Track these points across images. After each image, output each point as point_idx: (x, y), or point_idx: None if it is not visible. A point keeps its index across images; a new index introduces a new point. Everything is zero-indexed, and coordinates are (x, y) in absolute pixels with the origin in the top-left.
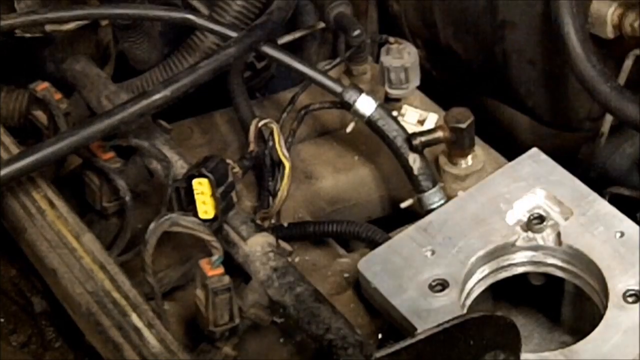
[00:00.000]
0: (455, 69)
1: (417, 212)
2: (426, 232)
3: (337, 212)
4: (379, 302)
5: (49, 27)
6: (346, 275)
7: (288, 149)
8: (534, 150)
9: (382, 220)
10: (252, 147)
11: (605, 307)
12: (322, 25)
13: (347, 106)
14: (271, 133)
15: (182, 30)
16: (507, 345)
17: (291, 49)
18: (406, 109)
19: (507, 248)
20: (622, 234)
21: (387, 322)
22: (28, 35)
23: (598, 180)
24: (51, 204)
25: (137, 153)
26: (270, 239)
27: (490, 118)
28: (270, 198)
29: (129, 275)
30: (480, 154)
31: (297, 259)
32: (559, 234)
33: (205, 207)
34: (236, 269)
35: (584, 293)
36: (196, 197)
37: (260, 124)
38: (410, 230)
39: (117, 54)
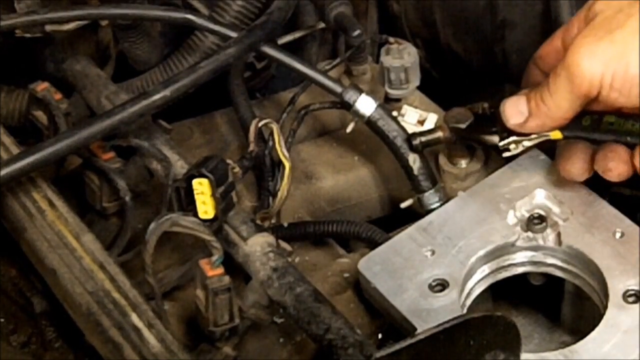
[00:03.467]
0: (455, 69)
1: (417, 212)
2: (426, 232)
3: (337, 212)
4: (379, 302)
5: (49, 27)
6: (346, 275)
7: (288, 149)
8: (534, 150)
9: (382, 220)
10: (252, 147)
11: (605, 307)
12: (322, 25)
13: (347, 106)
14: (271, 133)
15: (182, 30)
16: (507, 345)
17: (291, 49)
18: (406, 109)
19: (507, 248)
20: (622, 234)
21: (387, 322)
22: (28, 35)
23: (598, 180)
24: (51, 204)
25: (137, 153)
26: (270, 239)
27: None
28: (270, 198)
29: (129, 275)
30: (480, 154)
31: (297, 259)
32: (559, 234)
33: (205, 207)
34: (236, 269)
35: (584, 293)
36: (196, 197)
37: (260, 124)
38: (410, 230)
39: (117, 54)
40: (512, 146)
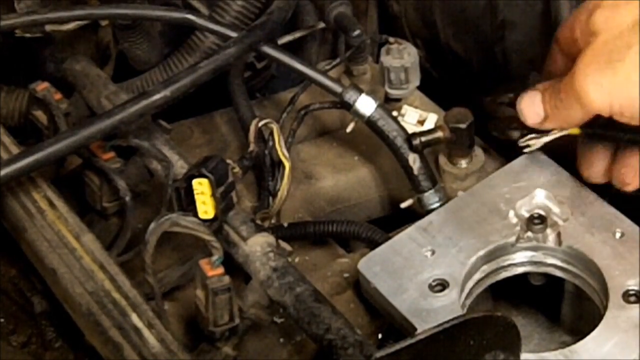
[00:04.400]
0: (455, 69)
1: (417, 212)
2: (426, 232)
3: (337, 212)
4: (379, 302)
5: (49, 27)
6: (346, 275)
7: (288, 149)
8: (534, 150)
9: (382, 220)
10: (252, 147)
11: (605, 307)
12: (322, 25)
13: (347, 106)
14: (271, 133)
15: (182, 30)
16: (507, 345)
17: (291, 49)
18: (406, 109)
19: (507, 248)
20: (622, 234)
21: (387, 322)
22: (28, 35)
23: None
24: (51, 204)
25: (137, 153)
26: (270, 239)
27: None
28: (270, 198)
29: (129, 275)
30: (480, 154)
31: (297, 259)
32: (559, 234)
33: (205, 207)
34: (236, 269)
35: (584, 293)
36: (196, 197)
37: (260, 124)
38: (410, 230)
39: (117, 54)
40: (531, 142)
